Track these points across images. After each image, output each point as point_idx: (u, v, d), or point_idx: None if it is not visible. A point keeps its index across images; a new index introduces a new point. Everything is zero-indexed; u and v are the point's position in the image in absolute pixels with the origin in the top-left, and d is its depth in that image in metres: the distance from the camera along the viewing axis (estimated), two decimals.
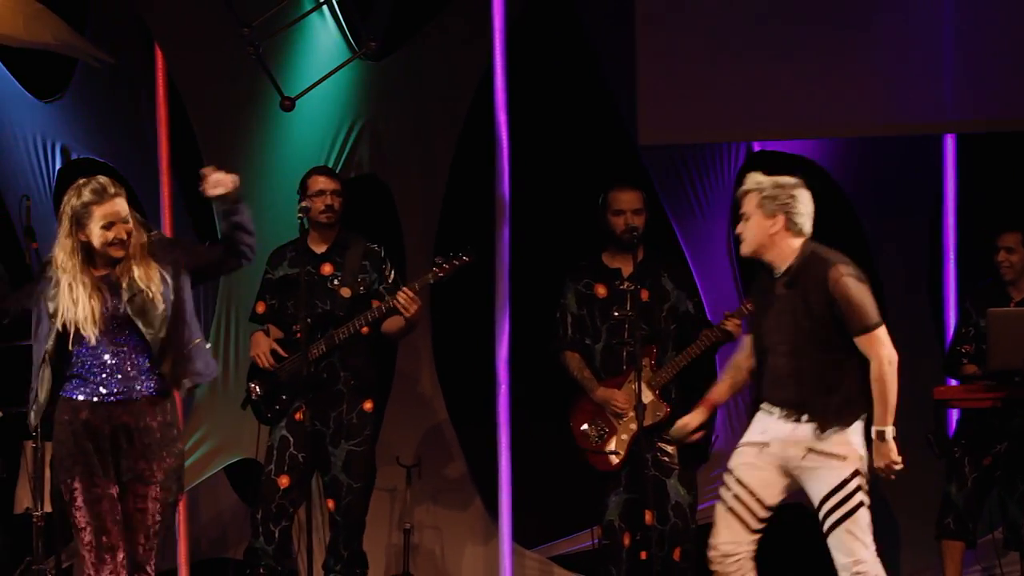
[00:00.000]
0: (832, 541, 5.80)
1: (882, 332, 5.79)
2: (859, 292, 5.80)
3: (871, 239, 8.48)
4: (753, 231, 5.92)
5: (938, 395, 7.55)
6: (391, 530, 8.57)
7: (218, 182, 5.81)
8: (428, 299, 7.98)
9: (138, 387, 5.73)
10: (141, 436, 5.72)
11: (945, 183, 8.50)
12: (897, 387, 5.74)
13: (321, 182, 7.52)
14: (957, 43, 7.89)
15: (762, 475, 5.91)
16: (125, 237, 5.67)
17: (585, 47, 8.65)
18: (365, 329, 7.41)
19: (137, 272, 5.68)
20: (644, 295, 7.48)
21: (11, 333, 6.02)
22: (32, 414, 5.82)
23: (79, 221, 5.66)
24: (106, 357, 5.70)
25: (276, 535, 7.38)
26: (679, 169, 8.65)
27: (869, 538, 5.80)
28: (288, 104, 7.49)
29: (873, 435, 5.76)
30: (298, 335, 7.29)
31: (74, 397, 5.73)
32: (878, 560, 5.82)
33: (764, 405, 5.96)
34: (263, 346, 7.50)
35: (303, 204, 7.36)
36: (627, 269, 7.51)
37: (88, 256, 5.71)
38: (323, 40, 8.55)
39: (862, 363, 5.77)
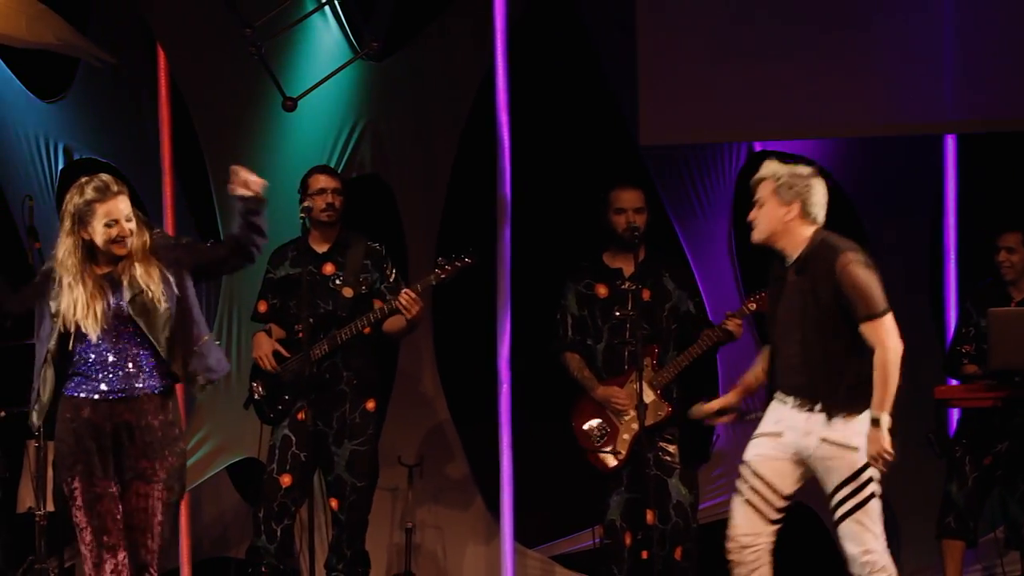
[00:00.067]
0: (843, 531, 5.82)
1: (889, 320, 5.77)
2: (867, 278, 5.80)
3: (871, 239, 8.48)
4: (767, 218, 5.92)
5: (939, 395, 7.56)
6: (393, 529, 8.58)
7: (247, 182, 5.81)
8: (430, 299, 7.99)
9: (140, 384, 5.74)
10: (143, 434, 5.72)
11: (946, 183, 8.50)
12: (898, 378, 5.75)
13: (322, 181, 7.53)
14: (957, 43, 7.90)
15: (778, 465, 5.91)
16: (128, 235, 5.68)
17: (586, 47, 8.66)
18: (367, 329, 7.42)
19: (139, 270, 5.69)
20: (645, 295, 7.49)
21: (13, 332, 6.03)
22: (34, 414, 5.83)
23: (81, 219, 5.67)
24: (108, 355, 5.70)
25: (278, 534, 7.39)
26: (680, 169, 8.66)
27: (879, 528, 5.81)
28: (290, 104, 7.50)
29: (870, 419, 5.76)
30: (300, 335, 7.30)
31: (76, 395, 5.73)
32: (887, 551, 5.83)
33: (777, 394, 5.96)
34: (265, 347, 7.50)
35: (305, 204, 7.38)
36: (628, 269, 7.52)
37: (90, 254, 5.71)
38: (325, 40, 8.56)
39: (870, 351, 5.75)
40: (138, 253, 5.71)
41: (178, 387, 5.89)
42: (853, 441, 5.79)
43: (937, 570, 7.89)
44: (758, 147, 8.63)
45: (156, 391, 5.76)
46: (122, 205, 5.68)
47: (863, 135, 8.28)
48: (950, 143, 8.48)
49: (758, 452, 5.96)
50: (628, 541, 7.48)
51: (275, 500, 7.38)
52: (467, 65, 8.65)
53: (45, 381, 5.74)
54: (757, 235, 5.98)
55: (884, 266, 8.33)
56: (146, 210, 7.78)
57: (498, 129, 8.47)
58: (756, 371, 6.19)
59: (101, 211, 5.65)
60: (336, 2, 8.39)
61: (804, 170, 5.95)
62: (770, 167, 5.96)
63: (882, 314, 5.77)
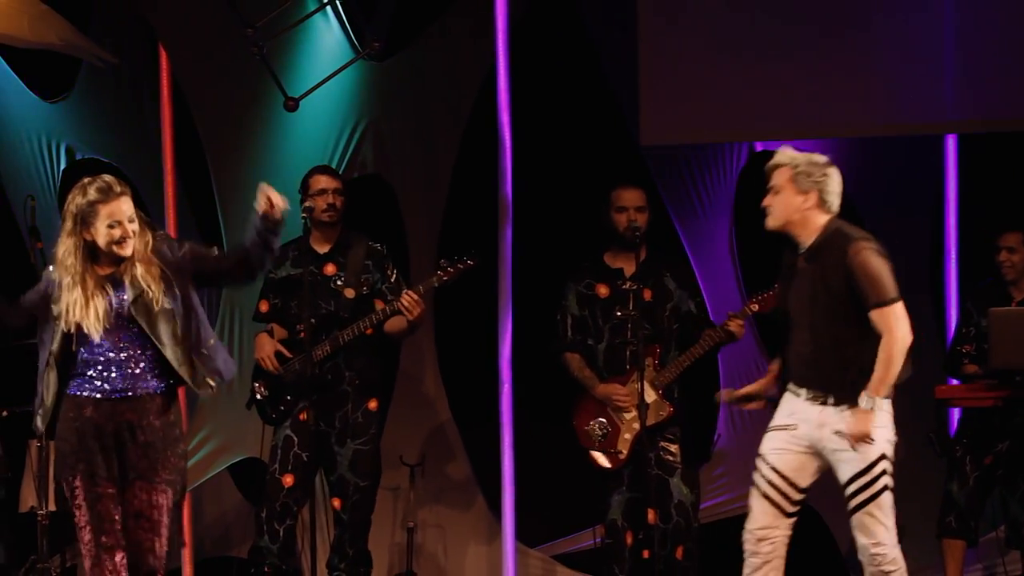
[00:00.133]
0: (855, 522, 5.85)
1: (899, 308, 5.77)
2: (879, 266, 5.80)
3: None
4: (783, 206, 5.92)
5: (939, 394, 7.57)
6: (394, 529, 8.58)
7: (273, 203, 5.76)
8: (431, 299, 7.99)
9: (142, 384, 5.73)
10: (144, 434, 5.72)
11: (946, 183, 8.50)
12: (905, 369, 5.75)
13: (323, 181, 7.53)
14: (958, 43, 7.91)
15: (793, 459, 5.92)
16: (130, 236, 5.67)
17: (587, 47, 8.67)
18: (369, 330, 7.43)
19: (140, 270, 5.67)
20: (647, 295, 7.50)
21: (15, 333, 6.02)
22: (38, 419, 5.81)
23: (84, 220, 5.66)
24: (111, 355, 5.69)
25: (281, 534, 7.40)
26: (681, 169, 8.66)
27: (891, 522, 5.84)
28: (292, 104, 7.52)
29: (861, 399, 5.76)
30: (302, 335, 7.31)
31: (79, 394, 5.73)
32: (898, 545, 5.85)
33: (790, 386, 5.96)
34: (268, 348, 7.50)
35: (306, 203, 7.38)
36: (629, 269, 7.53)
37: (92, 255, 5.70)
38: (327, 41, 8.57)
39: (880, 340, 5.75)
40: (140, 254, 5.70)
41: (180, 388, 5.88)
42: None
43: (938, 569, 7.90)
44: (759, 147, 8.64)
45: (158, 391, 5.76)
46: (125, 206, 5.67)
47: (864, 135, 8.28)
48: (951, 143, 8.48)
49: (773, 446, 5.97)
50: (629, 540, 7.49)
51: (277, 500, 7.39)
52: (468, 65, 8.65)
53: (48, 385, 5.73)
54: (772, 222, 5.97)
55: None
56: (148, 211, 7.80)
57: (499, 129, 8.47)
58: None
59: (104, 212, 5.64)
60: (338, 2, 8.40)
61: (821, 158, 5.97)
62: (786, 154, 5.96)
63: (892, 302, 5.77)
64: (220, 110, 8.75)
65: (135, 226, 5.69)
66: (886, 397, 5.82)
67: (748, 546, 5.98)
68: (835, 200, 5.93)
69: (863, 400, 5.74)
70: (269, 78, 7.59)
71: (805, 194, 5.90)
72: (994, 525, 8.11)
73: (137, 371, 5.72)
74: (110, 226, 5.65)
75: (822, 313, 5.83)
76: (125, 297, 5.67)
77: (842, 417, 5.79)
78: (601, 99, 8.62)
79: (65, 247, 5.69)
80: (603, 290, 7.57)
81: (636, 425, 7.33)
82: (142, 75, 8.83)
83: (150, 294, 5.67)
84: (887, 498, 5.85)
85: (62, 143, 8.90)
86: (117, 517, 5.68)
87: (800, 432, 5.91)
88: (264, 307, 7.60)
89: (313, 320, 7.30)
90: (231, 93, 8.69)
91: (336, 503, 7.51)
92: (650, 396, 7.34)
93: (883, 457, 5.82)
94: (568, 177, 8.56)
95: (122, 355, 5.70)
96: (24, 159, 8.89)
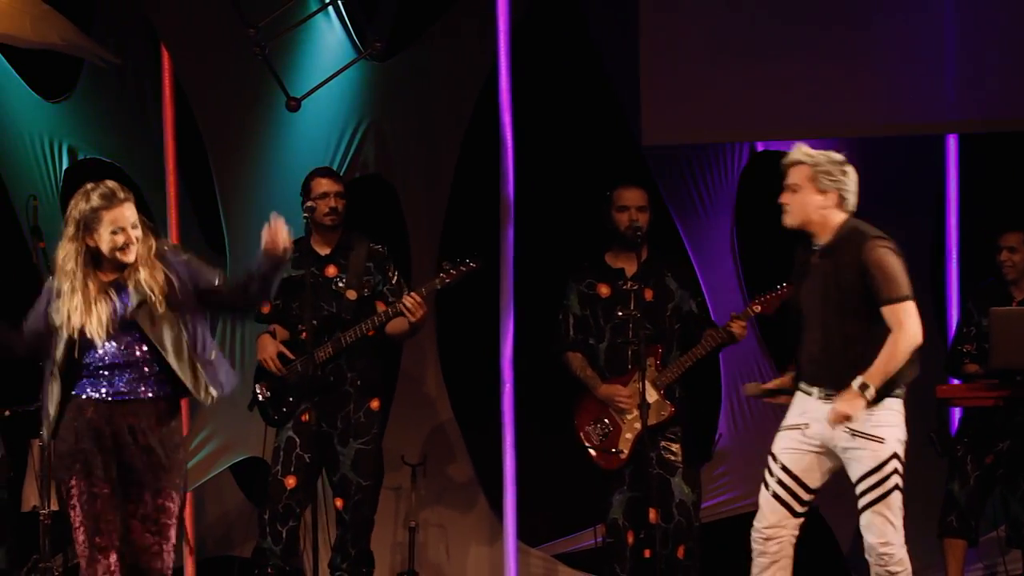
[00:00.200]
0: (864, 521, 5.85)
1: (911, 307, 5.78)
2: (894, 263, 5.81)
3: None
4: (802, 205, 5.91)
5: (940, 394, 7.57)
6: (396, 528, 8.59)
7: (278, 239, 5.68)
8: (433, 300, 7.99)
9: (143, 388, 5.72)
10: (145, 437, 5.72)
11: (947, 183, 8.51)
12: (910, 368, 5.75)
13: (324, 184, 7.53)
14: (958, 43, 7.91)
15: (805, 458, 5.93)
16: (133, 242, 5.65)
17: (590, 47, 8.67)
18: (371, 332, 7.43)
19: (144, 275, 5.66)
20: (648, 295, 7.50)
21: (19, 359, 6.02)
22: (44, 430, 5.81)
23: (87, 226, 5.63)
24: (114, 359, 5.68)
25: (283, 535, 7.41)
26: (683, 169, 8.67)
27: (899, 521, 5.84)
28: (294, 104, 7.52)
29: (855, 381, 5.75)
30: (303, 336, 7.32)
31: (81, 395, 5.73)
32: (904, 545, 5.86)
33: (802, 385, 5.97)
34: (270, 350, 7.50)
35: (308, 204, 7.38)
36: (631, 269, 7.54)
37: (94, 261, 5.68)
38: (329, 41, 8.57)
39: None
40: (144, 259, 5.68)
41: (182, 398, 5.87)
42: (879, 433, 5.80)
43: (939, 569, 7.90)
44: (760, 147, 8.65)
45: (160, 396, 5.75)
46: (128, 212, 5.65)
47: (864, 135, 8.28)
48: (951, 143, 8.48)
49: (784, 446, 5.97)
50: (631, 540, 7.50)
51: (280, 502, 7.39)
52: (470, 65, 8.66)
53: (51, 396, 5.71)
54: (790, 220, 5.96)
55: None
56: (150, 211, 7.81)
57: (501, 129, 8.47)
58: None
59: (107, 218, 5.62)
60: (340, 2, 8.40)
61: (838, 156, 5.96)
62: (804, 151, 5.94)
63: (906, 299, 5.78)
64: (222, 110, 8.76)
65: (138, 232, 5.67)
66: (898, 397, 5.84)
67: (756, 545, 5.99)
68: (853, 199, 5.93)
69: (856, 382, 5.74)
70: (271, 78, 7.60)
71: (825, 193, 5.89)
72: (995, 524, 8.12)
73: (139, 376, 5.71)
74: (113, 232, 5.63)
75: (834, 310, 5.83)
76: (129, 303, 5.67)
77: (854, 416, 5.79)
78: (602, 99, 8.63)
79: (65, 252, 5.68)
80: (604, 290, 7.57)
81: (637, 425, 7.34)
82: (144, 75, 8.84)
83: (153, 299, 5.65)
84: (897, 498, 5.85)
85: (64, 143, 8.90)
86: (111, 519, 5.67)
87: (812, 431, 5.91)
88: (266, 308, 7.59)
89: (315, 322, 7.31)
90: (233, 93, 8.69)
91: (339, 503, 7.52)
92: (652, 396, 7.35)
93: (894, 456, 5.82)
94: (570, 177, 8.57)
95: (125, 360, 5.69)
96: (26, 159, 8.89)
